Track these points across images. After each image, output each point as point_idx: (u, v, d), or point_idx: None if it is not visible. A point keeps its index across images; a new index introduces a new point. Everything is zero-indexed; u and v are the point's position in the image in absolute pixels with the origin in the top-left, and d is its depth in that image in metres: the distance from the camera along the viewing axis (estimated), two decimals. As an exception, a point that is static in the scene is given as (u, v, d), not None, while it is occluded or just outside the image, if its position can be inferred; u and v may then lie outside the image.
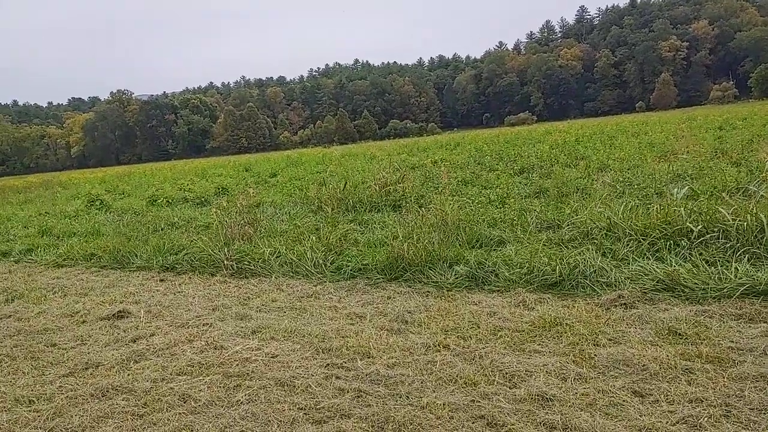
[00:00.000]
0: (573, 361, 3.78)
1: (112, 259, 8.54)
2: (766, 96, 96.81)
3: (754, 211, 5.64)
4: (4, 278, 8.36)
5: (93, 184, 28.03)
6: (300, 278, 6.69)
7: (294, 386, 3.83)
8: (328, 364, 4.15)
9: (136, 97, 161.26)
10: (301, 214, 10.57)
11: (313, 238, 7.68)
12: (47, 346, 5.15)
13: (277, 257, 7.29)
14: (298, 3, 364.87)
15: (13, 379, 4.43)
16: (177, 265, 7.83)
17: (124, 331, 5.35)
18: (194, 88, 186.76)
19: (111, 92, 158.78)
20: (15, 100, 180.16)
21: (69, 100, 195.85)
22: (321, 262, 6.87)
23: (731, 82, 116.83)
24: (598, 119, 71.14)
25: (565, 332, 4.27)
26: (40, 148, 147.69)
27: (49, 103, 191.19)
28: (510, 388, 3.53)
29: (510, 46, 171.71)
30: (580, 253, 5.70)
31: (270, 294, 6.17)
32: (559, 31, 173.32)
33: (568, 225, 6.98)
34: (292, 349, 4.51)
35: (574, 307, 4.80)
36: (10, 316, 6.28)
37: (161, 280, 7.36)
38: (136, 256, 8.42)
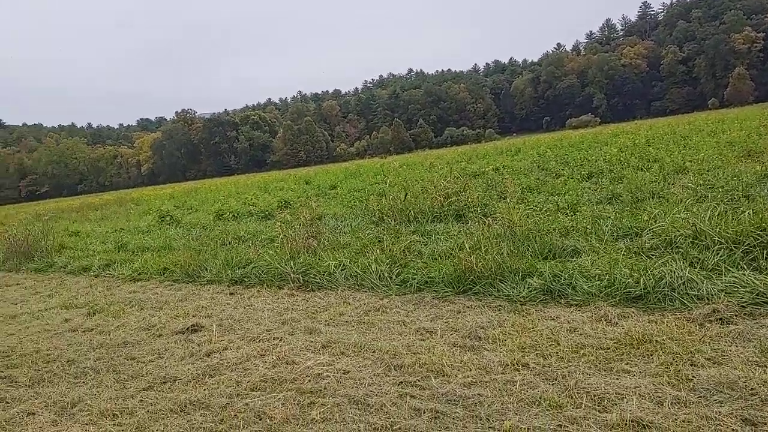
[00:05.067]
0: (668, 383, 3.47)
1: (183, 273, 8.81)
2: None
3: None
4: (86, 292, 8.79)
5: (163, 200, 29.37)
6: (366, 291, 6.63)
7: (368, 405, 3.74)
8: (401, 382, 4.02)
9: (199, 115, 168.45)
10: (363, 225, 10.55)
11: (377, 250, 7.60)
12: (127, 360, 5.32)
13: (341, 270, 7.27)
14: (350, 18, 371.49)
15: (98, 392, 4.58)
16: (245, 279, 7.97)
17: (198, 345, 5.46)
18: (253, 104, 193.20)
19: (176, 111, 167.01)
20: (89, 123, 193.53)
21: (138, 120, 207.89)
22: (386, 274, 6.78)
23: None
24: (668, 118, 67.60)
25: (656, 350, 3.95)
26: (114, 167, 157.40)
27: (120, 125, 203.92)
28: (600, 412, 3.28)
29: (569, 47, 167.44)
30: (664, 264, 5.31)
31: (337, 307, 6.14)
32: (621, 29, 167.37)
33: (648, 233, 6.55)
34: (363, 365, 4.43)
35: (663, 322, 4.45)
36: (92, 329, 6.56)
37: (231, 294, 7.51)
38: (206, 269, 8.65)
